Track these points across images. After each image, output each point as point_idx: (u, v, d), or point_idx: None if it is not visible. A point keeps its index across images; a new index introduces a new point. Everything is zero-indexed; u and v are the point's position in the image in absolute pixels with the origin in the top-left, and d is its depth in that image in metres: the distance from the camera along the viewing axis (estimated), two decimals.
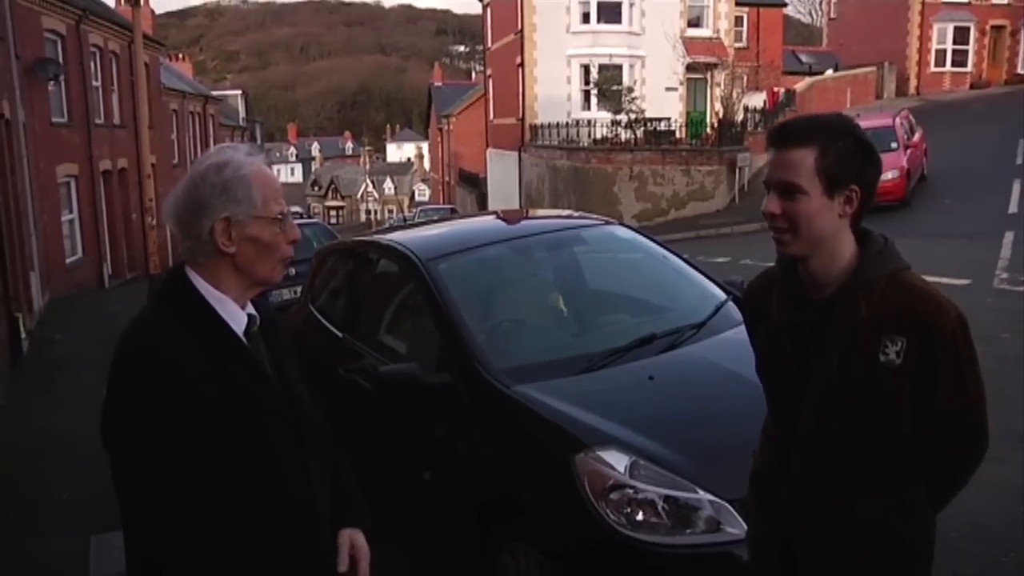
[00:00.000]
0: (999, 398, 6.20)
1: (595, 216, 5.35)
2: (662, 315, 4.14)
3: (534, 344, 3.95)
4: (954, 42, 36.03)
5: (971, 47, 35.99)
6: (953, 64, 36.21)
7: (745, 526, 2.56)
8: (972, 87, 34.77)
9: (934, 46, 36.21)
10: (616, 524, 2.94)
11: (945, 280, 10.33)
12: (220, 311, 1.71)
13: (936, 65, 36.35)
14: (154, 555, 1.58)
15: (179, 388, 1.58)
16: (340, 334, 4.90)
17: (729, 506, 2.89)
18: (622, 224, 5.10)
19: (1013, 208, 14.84)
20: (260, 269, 1.76)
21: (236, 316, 1.74)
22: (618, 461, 3.01)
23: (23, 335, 10.96)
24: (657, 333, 3.80)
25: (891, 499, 1.96)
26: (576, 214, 5.90)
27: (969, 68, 36.01)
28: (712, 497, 2.92)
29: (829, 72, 34.82)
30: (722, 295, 4.24)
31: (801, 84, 30.38)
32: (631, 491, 2.96)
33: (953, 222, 14.68)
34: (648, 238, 4.87)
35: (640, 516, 2.95)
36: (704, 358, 3.62)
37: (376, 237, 5.42)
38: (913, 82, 36.32)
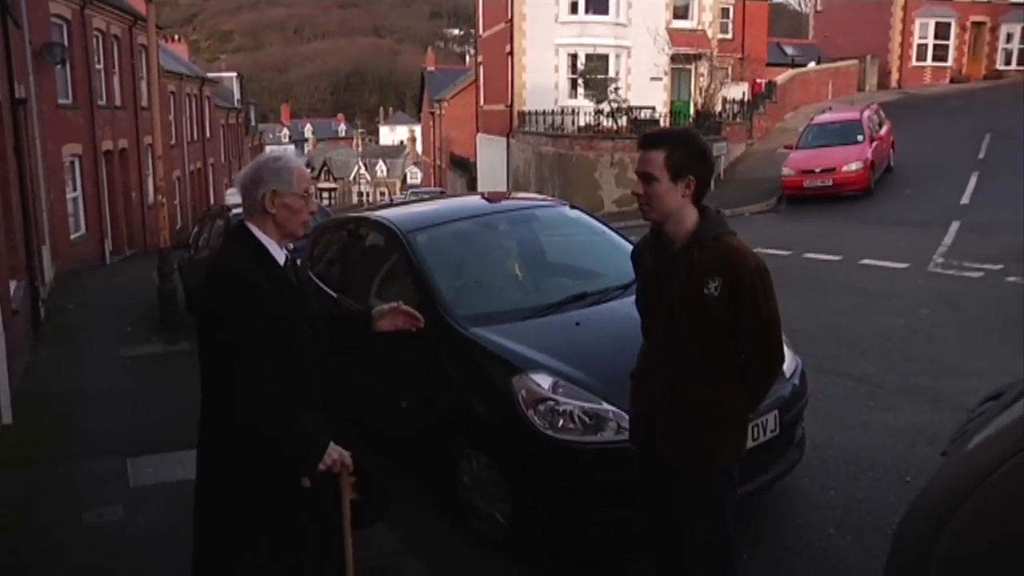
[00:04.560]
0: (904, 362, 7.31)
1: (550, 198, 6.34)
2: (596, 278, 5.13)
3: (490, 298, 4.96)
4: (936, 37, 36.76)
5: (952, 42, 36.71)
6: (934, 59, 36.98)
7: None
8: (952, 81, 35.47)
9: (916, 40, 36.95)
10: (543, 428, 3.94)
11: (887, 263, 11.38)
12: (270, 250, 2.72)
13: (918, 59, 37.13)
14: (239, 392, 2.54)
15: (255, 297, 2.57)
16: (336, 295, 5.88)
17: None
18: (572, 206, 6.07)
19: (965, 200, 15.80)
20: (290, 225, 2.76)
21: (279, 253, 2.75)
22: (544, 381, 4.03)
23: (40, 304, 11.86)
24: (588, 292, 4.84)
25: (710, 384, 2.95)
26: (538, 196, 6.90)
27: (950, 63, 36.74)
28: (616, 409, 3.90)
29: (811, 65, 35.71)
30: None
31: (783, 76, 31.22)
32: (554, 403, 3.95)
33: (908, 211, 15.65)
34: (593, 217, 5.89)
35: (561, 423, 3.95)
36: (622, 311, 4.55)
37: (366, 213, 6.41)
38: (895, 76, 37.09)
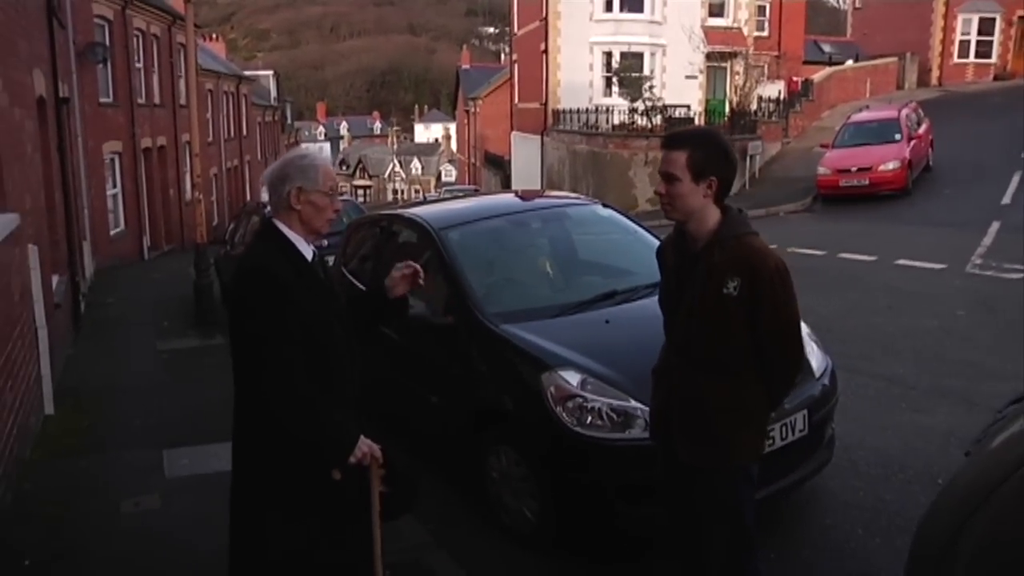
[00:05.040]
0: (938, 363, 7.23)
1: (582, 197, 6.37)
2: (626, 277, 5.14)
3: (521, 296, 4.99)
4: (979, 33, 35.92)
5: (996, 38, 35.79)
6: (977, 55, 36.16)
7: None
8: (996, 78, 34.65)
9: (958, 37, 36.17)
10: (570, 425, 3.97)
11: (924, 264, 11.24)
12: (298, 245, 2.77)
13: (959, 56, 36.37)
14: (271, 386, 2.60)
15: (284, 290, 2.63)
16: (367, 290, 5.95)
17: None
18: (604, 204, 6.09)
19: (1006, 199, 15.52)
20: (315, 222, 2.81)
21: (306, 249, 2.81)
22: (573, 378, 4.06)
23: (80, 298, 12.11)
24: (618, 290, 4.86)
25: (729, 382, 2.96)
26: (571, 195, 6.94)
27: (993, 59, 35.86)
28: (644, 406, 3.90)
29: (849, 62, 35.24)
30: None
31: (819, 74, 30.86)
32: (582, 400, 3.98)
33: (947, 211, 15.43)
34: (624, 215, 5.91)
35: (589, 420, 3.98)
36: (652, 309, 4.53)
37: (399, 211, 6.48)
38: (935, 73, 36.44)
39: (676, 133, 3.03)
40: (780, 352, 2.94)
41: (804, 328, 4.76)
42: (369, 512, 2.84)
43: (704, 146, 2.93)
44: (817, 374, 4.47)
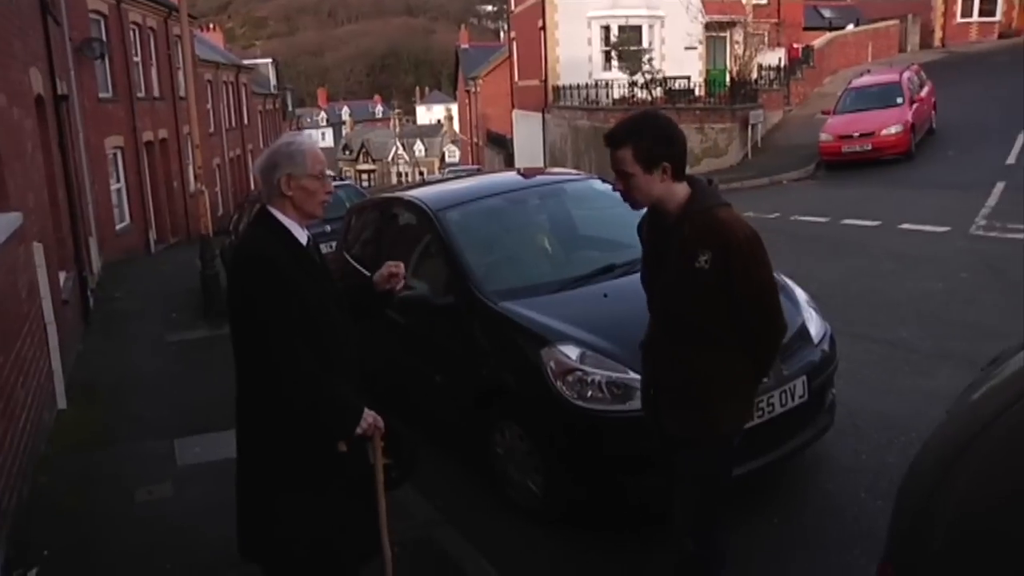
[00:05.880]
0: (942, 326, 7.23)
1: (579, 172, 6.40)
2: (624, 250, 5.11)
3: (519, 273, 5.03)
4: None
5: None
6: (981, 13, 35.71)
7: None
8: (1001, 37, 34.28)
9: None
10: (572, 399, 4.02)
11: (927, 227, 11.21)
12: (292, 231, 2.81)
13: (963, 15, 35.94)
14: (277, 367, 2.66)
15: (281, 275, 2.68)
16: (370, 275, 5.99)
17: None
18: (603, 179, 6.10)
19: (1011, 159, 15.39)
20: (308, 206, 2.85)
21: (301, 235, 2.86)
22: (572, 352, 4.11)
23: (89, 294, 12.20)
24: (616, 264, 4.89)
25: (709, 354, 2.99)
26: (571, 171, 6.97)
27: (998, 17, 35.48)
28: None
29: (850, 27, 34.96)
30: None
31: (820, 40, 30.62)
32: (582, 374, 4.03)
33: (951, 173, 15.34)
34: None
35: (590, 393, 4.03)
36: None
37: (398, 194, 6.51)
38: (938, 34, 36.04)
39: (614, 131, 2.96)
40: (758, 318, 2.96)
41: (802, 295, 4.83)
42: (373, 483, 2.90)
43: (645, 136, 2.88)
44: (816, 340, 4.51)
